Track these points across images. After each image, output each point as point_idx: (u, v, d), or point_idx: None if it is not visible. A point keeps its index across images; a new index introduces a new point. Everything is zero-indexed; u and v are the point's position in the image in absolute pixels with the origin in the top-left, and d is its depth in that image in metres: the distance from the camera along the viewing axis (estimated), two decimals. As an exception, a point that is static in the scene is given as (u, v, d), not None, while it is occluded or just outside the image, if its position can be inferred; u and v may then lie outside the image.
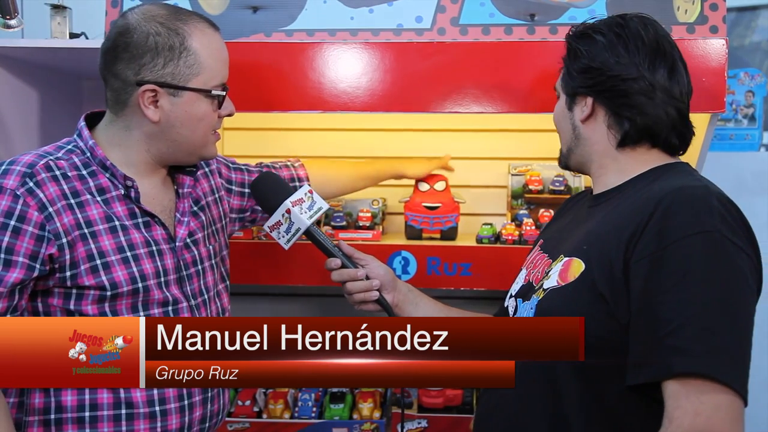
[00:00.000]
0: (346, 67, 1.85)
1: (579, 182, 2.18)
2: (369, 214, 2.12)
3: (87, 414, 1.39)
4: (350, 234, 2.07)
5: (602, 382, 1.26)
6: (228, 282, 1.66)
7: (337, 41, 1.87)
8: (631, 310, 1.22)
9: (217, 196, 1.67)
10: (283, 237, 1.55)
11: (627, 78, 1.36)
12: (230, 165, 1.77)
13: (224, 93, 1.48)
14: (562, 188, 2.13)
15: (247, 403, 2.16)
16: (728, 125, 2.90)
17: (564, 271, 1.34)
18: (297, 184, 1.87)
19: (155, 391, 1.42)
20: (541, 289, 1.37)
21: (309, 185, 1.60)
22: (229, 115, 1.53)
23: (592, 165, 1.45)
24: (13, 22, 2.01)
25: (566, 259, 1.35)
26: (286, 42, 1.89)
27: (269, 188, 1.59)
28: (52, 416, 1.39)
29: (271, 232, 1.55)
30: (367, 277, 1.59)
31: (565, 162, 1.51)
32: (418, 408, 2.15)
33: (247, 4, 1.92)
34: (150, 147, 1.47)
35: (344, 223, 2.11)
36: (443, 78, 1.83)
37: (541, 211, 2.10)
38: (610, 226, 1.32)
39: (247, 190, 1.77)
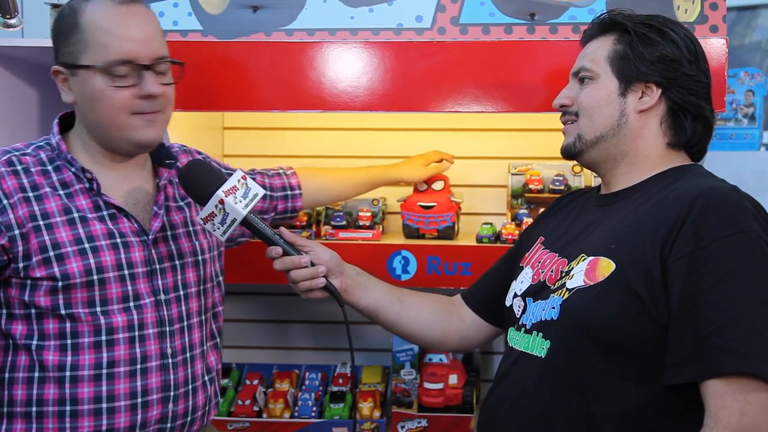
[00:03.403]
0: (346, 67, 1.85)
1: (579, 181, 2.18)
2: (369, 214, 2.12)
3: (34, 409, 1.39)
4: (350, 233, 2.07)
5: (634, 382, 1.25)
6: (218, 281, 1.62)
7: (337, 40, 1.87)
8: (671, 310, 1.22)
9: None
10: (219, 229, 1.43)
11: (698, 80, 1.37)
12: (221, 169, 1.73)
13: (105, 66, 1.38)
14: (562, 187, 2.12)
15: (247, 402, 2.16)
16: (728, 124, 2.90)
17: (591, 270, 1.32)
18: (289, 192, 1.86)
19: (104, 388, 1.40)
20: (564, 289, 1.35)
21: (242, 171, 1.51)
22: (148, 96, 1.41)
23: (624, 159, 1.42)
24: (13, 21, 2.01)
25: (591, 258, 1.34)
26: (286, 41, 1.89)
27: (198, 177, 1.46)
28: (5, 409, 1.40)
29: (204, 224, 1.44)
30: (313, 264, 1.51)
31: (579, 150, 1.44)
32: (418, 407, 2.14)
33: (247, 3, 1.92)
34: (89, 132, 1.47)
35: (344, 222, 2.10)
36: (443, 77, 1.83)
37: (541, 210, 2.10)
38: (637, 225, 1.31)
39: None
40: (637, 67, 1.38)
